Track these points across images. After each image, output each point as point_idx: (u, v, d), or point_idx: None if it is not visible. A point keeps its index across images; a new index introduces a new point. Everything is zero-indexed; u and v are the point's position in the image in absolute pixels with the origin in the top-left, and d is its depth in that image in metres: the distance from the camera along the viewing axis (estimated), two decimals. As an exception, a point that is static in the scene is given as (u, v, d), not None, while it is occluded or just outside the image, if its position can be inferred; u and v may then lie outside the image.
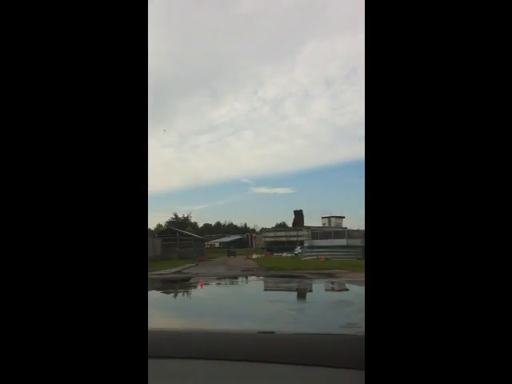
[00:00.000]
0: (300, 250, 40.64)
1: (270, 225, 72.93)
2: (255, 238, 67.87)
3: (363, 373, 0.58)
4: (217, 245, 69.58)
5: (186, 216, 55.91)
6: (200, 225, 69.74)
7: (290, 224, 65.11)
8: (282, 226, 64.19)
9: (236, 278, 3.51)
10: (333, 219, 52.99)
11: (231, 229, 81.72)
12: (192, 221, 57.36)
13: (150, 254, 29.12)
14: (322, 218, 55.09)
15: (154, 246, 31.20)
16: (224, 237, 74.12)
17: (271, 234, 54.72)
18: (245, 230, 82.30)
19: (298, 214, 61.88)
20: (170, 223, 51.80)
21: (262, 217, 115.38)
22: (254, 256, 41.25)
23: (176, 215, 55.09)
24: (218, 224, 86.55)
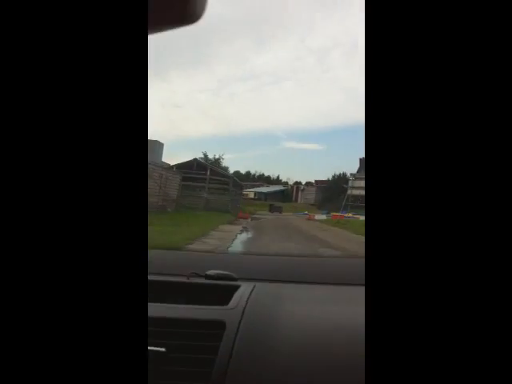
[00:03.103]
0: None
1: (305, 179, 61.79)
2: (303, 190, 54.76)
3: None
4: (251, 195, 55.83)
5: (217, 157, 41.10)
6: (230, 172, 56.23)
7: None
8: (343, 177, 49.87)
9: None
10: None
11: (262, 180, 70.08)
12: (223, 165, 41.88)
13: (154, 198, 15.64)
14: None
15: (166, 185, 17.41)
16: (261, 186, 60.83)
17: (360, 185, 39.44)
18: (277, 182, 70.65)
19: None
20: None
21: (294, 171, 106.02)
22: (319, 216, 27.79)
23: (206, 155, 40.21)
24: (248, 173, 76.01)
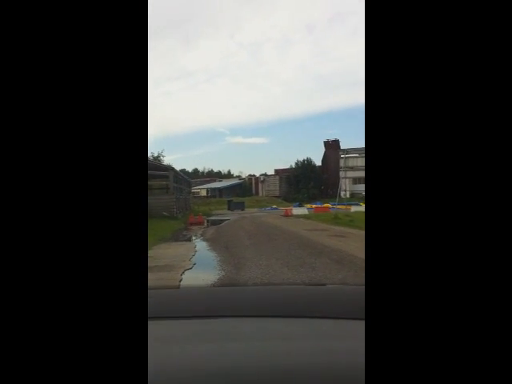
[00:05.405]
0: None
1: (259, 172, 56.21)
2: (263, 181, 48.25)
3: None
4: (203, 193, 48.24)
5: (156, 155, 32.92)
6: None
7: (317, 161, 44.83)
8: (308, 163, 43.66)
9: None
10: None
11: (212, 176, 63.23)
12: (166, 163, 32.94)
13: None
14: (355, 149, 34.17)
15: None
16: (214, 182, 53.50)
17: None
18: (229, 176, 64.22)
19: (332, 146, 41.62)
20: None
21: (243, 165, 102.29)
22: (297, 211, 21.13)
23: (143, 152, 31.63)
24: (196, 171, 69.03)
